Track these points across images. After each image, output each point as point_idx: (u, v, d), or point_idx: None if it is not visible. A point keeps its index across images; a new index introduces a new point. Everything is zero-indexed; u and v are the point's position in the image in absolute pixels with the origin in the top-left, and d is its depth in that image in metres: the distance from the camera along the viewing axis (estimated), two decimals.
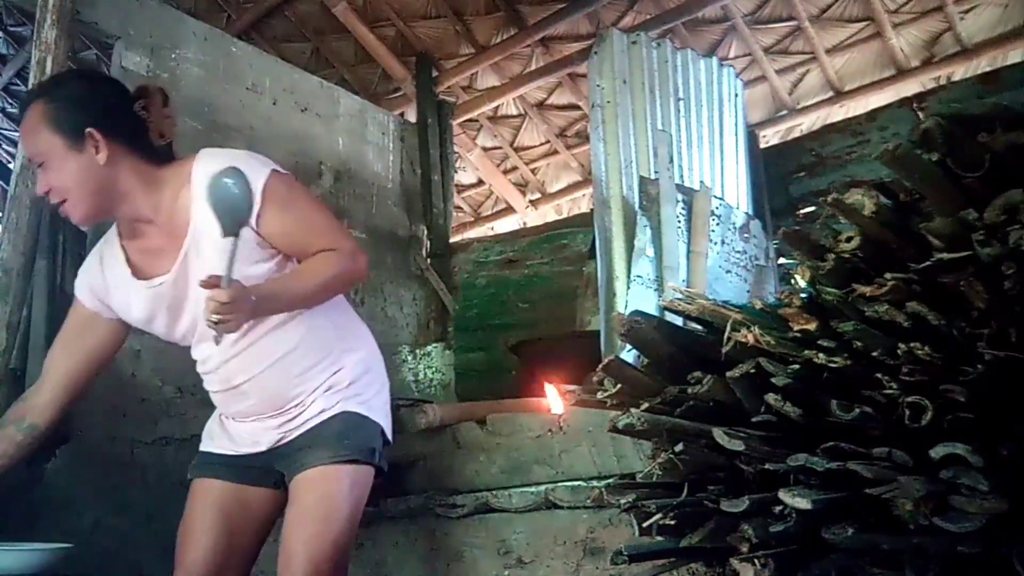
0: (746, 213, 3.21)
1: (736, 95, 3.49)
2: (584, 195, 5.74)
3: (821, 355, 1.08)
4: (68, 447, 2.53)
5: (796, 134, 4.72)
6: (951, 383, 0.97)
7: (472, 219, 6.34)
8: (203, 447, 1.77)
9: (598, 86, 3.01)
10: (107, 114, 1.55)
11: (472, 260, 4.21)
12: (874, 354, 1.04)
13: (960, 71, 4.47)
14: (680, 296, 1.36)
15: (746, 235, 3.12)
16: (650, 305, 2.67)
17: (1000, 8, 4.32)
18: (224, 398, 1.70)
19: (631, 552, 1.25)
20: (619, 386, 1.34)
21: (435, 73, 4.82)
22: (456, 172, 5.07)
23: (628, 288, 2.73)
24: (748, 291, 3.05)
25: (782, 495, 1.02)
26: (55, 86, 1.79)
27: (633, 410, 1.29)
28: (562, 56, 4.85)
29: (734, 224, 3.08)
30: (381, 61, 4.97)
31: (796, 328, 1.12)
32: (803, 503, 1.00)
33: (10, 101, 5.64)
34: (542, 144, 5.72)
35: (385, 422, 1.72)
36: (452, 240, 4.46)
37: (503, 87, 5.11)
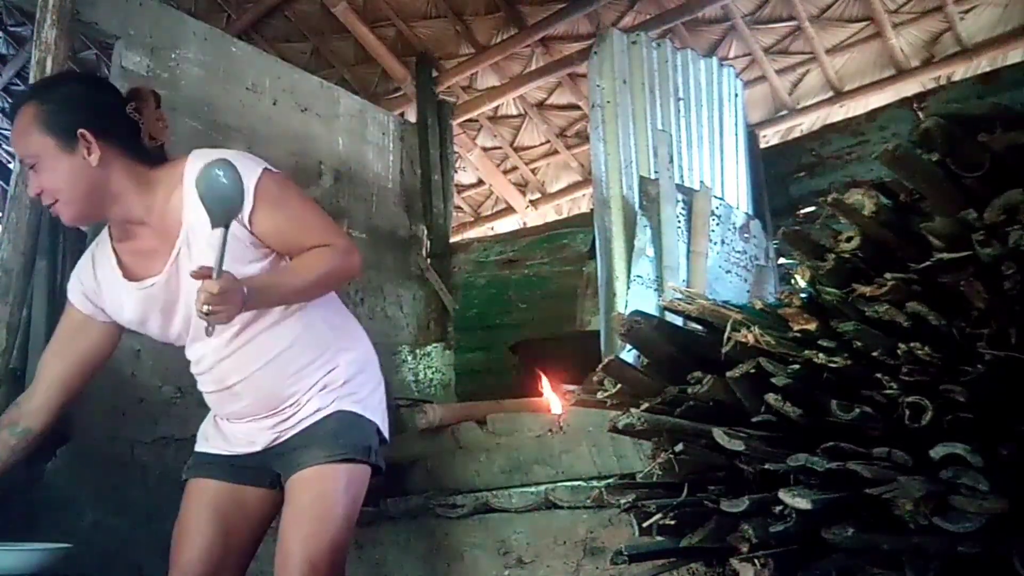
0: (746, 213, 3.21)
1: (736, 95, 3.49)
2: (584, 195, 5.74)
3: (821, 355, 1.08)
4: (68, 447, 2.53)
5: (796, 134, 4.72)
6: (951, 383, 0.97)
7: (472, 219, 6.34)
8: (198, 448, 1.77)
9: (598, 86, 3.01)
10: (99, 115, 1.55)
11: (472, 260, 4.21)
12: (874, 354, 1.04)
13: (960, 71, 4.47)
14: (680, 296, 1.36)
15: (746, 235, 3.12)
16: (650, 305, 2.67)
17: (1000, 8, 4.32)
18: (218, 399, 1.69)
19: (631, 552, 1.25)
20: (619, 386, 1.34)
21: (435, 73, 4.81)
22: (456, 172, 5.07)
23: (628, 288, 2.73)
24: (748, 291, 3.05)
25: (782, 495, 1.02)
26: (46, 88, 1.80)
27: (633, 410, 1.29)
28: (562, 56, 4.85)
29: (734, 224, 3.08)
30: (381, 61, 4.96)
31: (796, 328, 1.12)
32: (803, 503, 1.00)
33: (10, 101, 5.64)
34: (542, 144, 5.72)
35: (381, 421, 1.72)
36: (452, 240, 4.46)
37: (503, 87, 5.11)
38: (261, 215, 1.54)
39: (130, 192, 1.57)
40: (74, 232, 2.70)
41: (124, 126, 1.59)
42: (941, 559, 0.97)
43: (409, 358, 3.97)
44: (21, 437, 1.65)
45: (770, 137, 4.90)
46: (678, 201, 2.90)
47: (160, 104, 1.68)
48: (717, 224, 2.99)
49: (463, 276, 4.18)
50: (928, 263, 0.99)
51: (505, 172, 5.94)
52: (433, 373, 3.96)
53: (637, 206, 2.85)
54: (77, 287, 1.68)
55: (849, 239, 1.08)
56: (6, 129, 6.04)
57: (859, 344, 1.05)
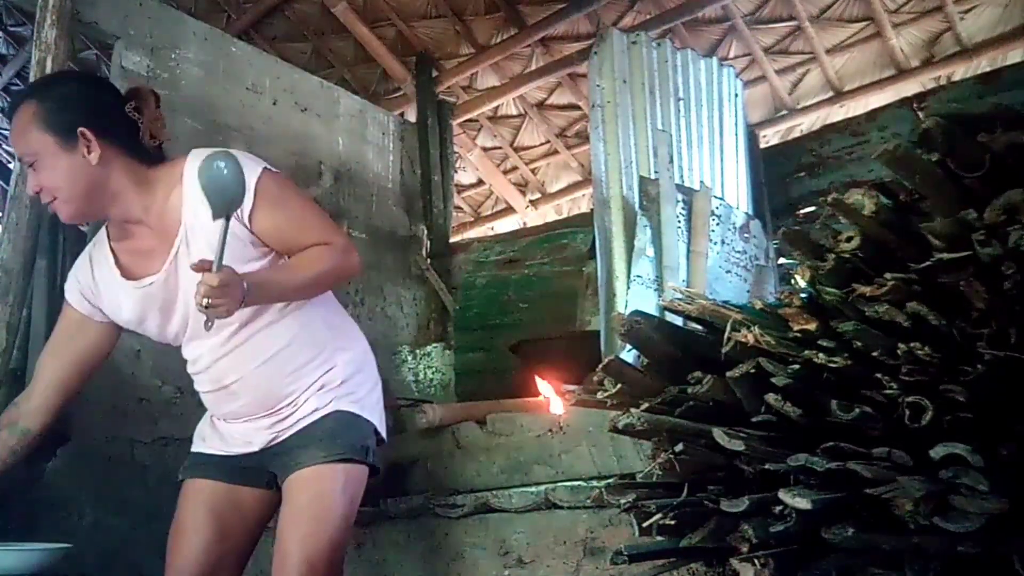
0: (746, 213, 3.21)
1: (736, 95, 3.49)
2: (584, 195, 5.74)
3: (821, 355, 1.08)
4: (68, 447, 2.53)
5: (796, 134, 4.72)
6: (951, 383, 0.97)
7: (472, 219, 6.34)
8: (195, 448, 1.77)
9: (598, 86, 3.00)
10: (99, 114, 1.56)
11: (472, 260, 4.21)
12: (874, 354, 1.04)
13: (960, 71, 4.47)
14: (680, 296, 1.36)
15: (746, 235, 3.12)
16: (650, 305, 2.67)
17: (1000, 8, 4.32)
18: (215, 398, 1.69)
19: (631, 552, 1.25)
20: (619, 386, 1.34)
21: (435, 73, 4.81)
22: (456, 172, 5.07)
23: (628, 288, 2.73)
24: (748, 291, 3.05)
25: (782, 495, 1.02)
26: (46, 86, 1.80)
27: (633, 410, 1.29)
28: (562, 56, 4.85)
29: (734, 224, 3.08)
30: (381, 61, 4.97)
31: (796, 328, 1.12)
32: (803, 503, 1.00)
33: (10, 101, 5.64)
34: (542, 144, 5.72)
35: (378, 421, 1.72)
36: (452, 240, 4.46)
37: (503, 87, 5.11)
38: (261, 214, 1.55)
39: (129, 191, 1.57)
40: (74, 232, 2.71)
41: (124, 125, 1.59)
42: (941, 559, 0.97)
43: (409, 358, 3.97)
44: (20, 437, 1.65)
45: (770, 137, 4.90)
46: (678, 201, 2.90)
47: (159, 104, 1.68)
48: (717, 224, 2.99)
49: (463, 276, 4.18)
50: (928, 263, 0.99)
51: (505, 172, 5.94)
52: (433, 373, 3.96)
53: (637, 206, 2.85)
54: (75, 287, 1.68)
55: (849, 239, 1.08)
56: (6, 129, 6.04)
57: (859, 344, 1.05)
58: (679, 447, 1.22)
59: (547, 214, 5.94)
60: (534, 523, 2.07)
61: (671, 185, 2.91)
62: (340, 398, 1.65)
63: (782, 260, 3.27)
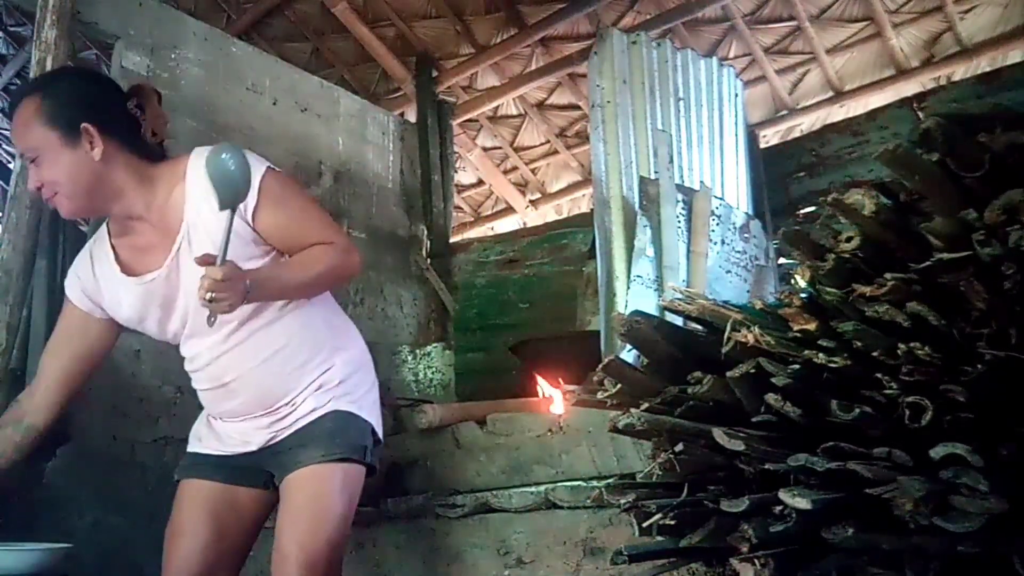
0: (746, 213, 3.21)
1: (736, 95, 3.49)
2: (584, 195, 5.74)
3: (821, 355, 1.08)
4: (68, 447, 2.53)
5: (796, 134, 4.72)
6: (951, 383, 0.97)
7: (472, 219, 6.34)
8: (191, 448, 1.76)
9: (598, 86, 3.01)
10: (102, 110, 1.56)
11: (472, 260, 4.21)
12: (874, 354, 1.04)
13: (960, 71, 4.47)
14: (680, 296, 1.36)
15: (746, 235, 3.12)
16: (650, 305, 2.67)
17: (1000, 8, 4.32)
18: (213, 396, 1.69)
19: (631, 552, 1.25)
20: (619, 386, 1.34)
21: (435, 73, 4.81)
22: (456, 172, 5.07)
23: (628, 288, 2.73)
24: (748, 291, 3.05)
25: (782, 495, 1.02)
26: (49, 81, 1.79)
27: (633, 410, 1.29)
28: (562, 56, 4.85)
29: (734, 224, 3.08)
30: (381, 61, 4.97)
31: (796, 328, 1.12)
32: (803, 503, 1.00)
33: (9, 101, 5.64)
34: (542, 144, 5.72)
35: (376, 421, 1.72)
36: (452, 240, 4.46)
37: (503, 87, 5.11)
38: (265, 212, 1.55)
39: (131, 188, 1.57)
40: (73, 232, 2.70)
41: (126, 122, 1.60)
42: (941, 559, 0.97)
43: (409, 358, 3.97)
44: (26, 434, 1.65)
45: (770, 137, 4.90)
46: (678, 201, 2.90)
47: (162, 101, 1.69)
48: (717, 224, 2.99)
49: (463, 276, 4.19)
50: (928, 263, 0.99)
51: (505, 172, 5.94)
52: (433, 373, 3.96)
53: (637, 206, 2.85)
54: (75, 284, 1.68)
55: (849, 239, 1.08)
56: (5, 129, 6.04)
57: (859, 344, 1.05)
58: (679, 447, 1.22)
59: (547, 214, 5.95)
60: (534, 523, 2.07)
61: (671, 185, 2.91)
62: (338, 398, 1.65)
63: (782, 260, 3.28)
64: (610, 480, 1.48)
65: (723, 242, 3.01)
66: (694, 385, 1.23)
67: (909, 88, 4.41)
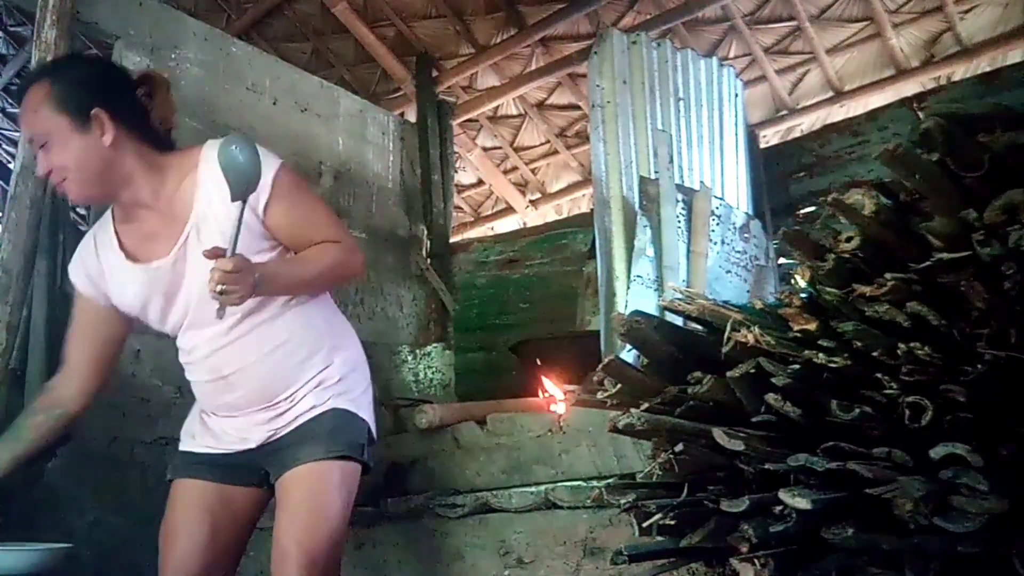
0: (746, 213, 3.21)
1: (736, 95, 3.49)
2: (584, 195, 5.74)
3: (821, 355, 1.08)
4: (68, 447, 2.52)
5: (796, 134, 4.72)
6: (951, 383, 0.97)
7: (472, 219, 6.34)
8: (183, 447, 1.75)
9: (598, 86, 3.00)
10: (113, 96, 1.56)
11: (472, 260, 4.21)
12: (874, 354, 1.04)
13: (960, 71, 4.48)
14: (680, 296, 1.36)
15: (746, 235, 3.12)
16: (650, 305, 2.67)
17: (1000, 8, 4.32)
18: (211, 389, 1.68)
19: (631, 552, 1.25)
20: (619, 386, 1.34)
21: (435, 73, 4.82)
22: (456, 172, 5.07)
23: (628, 288, 2.73)
24: (748, 291, 3.05)
25: (782, 495, 1.02)
26: (60, 67, 1.79)
27: (633, 410, 1.29)
28: (562, 56, 4.85)
29: (734, 224, 3.08)
30: (381, 61, 4.97)
31: (796, 328, 1.12)
32: (803, 503, 1.00)
33: (10, 101, 5.64)
34: (542, 144, 5.72)
35: (371, 420, 1.73)
36: (452, 240, 4.46)
37: (503, 87, 5.11)
38: (276, 207, 1.56)
39: (139, 175, 1.57)
40: (74, 232, 2.70)
41: (136, 109, 1.60)
42: (941, 559, 0.97)
43: (409, 358, 3.97)
44: (58, 419, 1.66)
45: (770, 137, 4.90)
46: (678, 201, 2.90)
47: (170, 90, 1.69)
48: (717, 224, 2.99)
49: (463, 276, 4.19)
50: (928, 263, 0.99)
51: (505, 172, 5.94)
52: (433, 373, 3.96)
53: (637, 206, 2.85)
54: (80, 269, 1.68)
55: (849, 239, 1.08)
56: (6, 129, 6.04)
57: (859, 344, 1.05)
58: (679, 447, 1.22)
59: (547, 214, 5.95)
60: (534, 523, 2.07)
61: (671, 185, 2.91)
62: (338, 396, 1.66)
63: (782, 260, 3.27)
64: (610, 480, 1.48)
65: (723, 242, 3.01)
66: (694, 385, 1.23)
67: (909, 88, 4.41)
